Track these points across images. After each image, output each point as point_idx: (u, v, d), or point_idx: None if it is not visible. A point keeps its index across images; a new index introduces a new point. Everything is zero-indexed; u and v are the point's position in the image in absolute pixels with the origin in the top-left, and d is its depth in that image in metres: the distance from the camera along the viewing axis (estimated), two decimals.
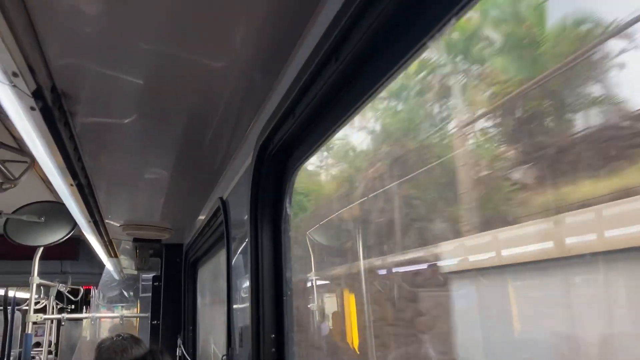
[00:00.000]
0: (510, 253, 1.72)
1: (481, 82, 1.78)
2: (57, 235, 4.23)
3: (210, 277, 4.46)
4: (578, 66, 1.30)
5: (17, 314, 9.83)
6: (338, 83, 1.35)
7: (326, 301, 3.17)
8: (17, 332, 9.59)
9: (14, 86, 1.52)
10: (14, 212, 4.03)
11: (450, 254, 2.00)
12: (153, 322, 5.05)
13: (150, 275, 5.38)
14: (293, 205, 2.03)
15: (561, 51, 1.41)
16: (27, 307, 5.92)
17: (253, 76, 1.77)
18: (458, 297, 1.98)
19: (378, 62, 1.22)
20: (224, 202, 2.81)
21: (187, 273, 4.95)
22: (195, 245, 4.22)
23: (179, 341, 4.77)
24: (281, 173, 1.99)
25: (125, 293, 8.66)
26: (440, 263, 2.03)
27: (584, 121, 1.34)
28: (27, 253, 6.14)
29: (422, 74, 1.82)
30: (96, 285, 8.49)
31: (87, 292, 10.22)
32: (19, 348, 7.93)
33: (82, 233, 4.18)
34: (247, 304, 2.14)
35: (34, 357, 8.97)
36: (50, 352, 9.09)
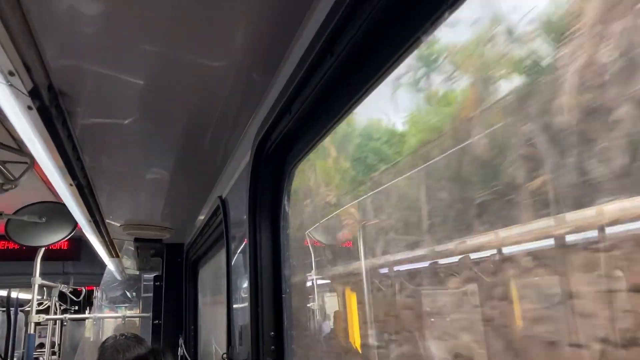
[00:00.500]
0: None
1: None
2: (58, 235, 4.24)
3: (211, 277, 4.47)
4: None
5: (20, 315, 9.87)
6: (334, 78, 1.35)
7: None
8: (21, 333, 9.63)
9: (10, 85, 1.52)
10: (15, 213, 4.04)
11: None
12: (155, 322, 5.05)
13: (151, 275, 5.39)
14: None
15: None
16: (30, 308, 5.94)
17: (250, 74, 1.77)
18: None
19: (373, 56, 1.22)
20: (223, 201, 2.82)
21: (188, 272, 4.96)
22: (196, 244, 4.22)
23: (181, 340, 4.78)
24: (279, 171, 1.99)
25: (128, 293, 8.67)
26: None
27: None
28: (29, 254, 6.17)
29: None
30: (98, 285, 8.50)
31: (90, 293, 10.24)
32: (22, 349, 7.95)
33: (83, 233, 4.19)
34: (246, 303, 2.14)
35: (37, 358, 9.00)
36: (53, 353, 9.12)
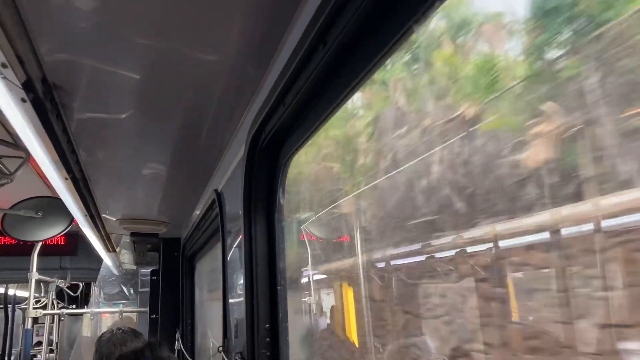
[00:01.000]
0: None
1: None
2: (54, 230, 4.24)
3: (207, 271, 4.48)
4: None
5: (18, 312, 9.86)
6: (327, 69, 1.35)
7: None
8: (18, 330, 9.62)
9: (4, 77, 1.52)
10: (11, 208, 4.05)
11: None
12: (152, 316, 5.06)
13: (148, 270, 5.39)
14: None
15: None
16: (27, 305, 5.94)
17: (245, 66, 1.77)
18: None
19: (366, 46, 1.22)
20: (218, 195, 2.82)
21: (184, 267, 4.97)
22: (192, 238, 4.23)
23: (178, 334, 4.79)
24: (274, 163, 1.99)
25: (125, 288, 8.67)
26: None
27: None
28: (26, 249, 6.17)
29: None
30: (94, 280, 8.51)
31: (88, 289, 10.24)
32: (20, 346, 7.95)
33: (80, 228, 4.19)
34: (242, 297, 2.15)
35: (34, 355, 9.00)
36: (51, 351, 9.11)
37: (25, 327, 6.02)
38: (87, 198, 3.07)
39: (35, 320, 6.12)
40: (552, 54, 0.98)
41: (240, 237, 2.15)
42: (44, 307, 7.66)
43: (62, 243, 7.11)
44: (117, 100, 2.04)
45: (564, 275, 1.01)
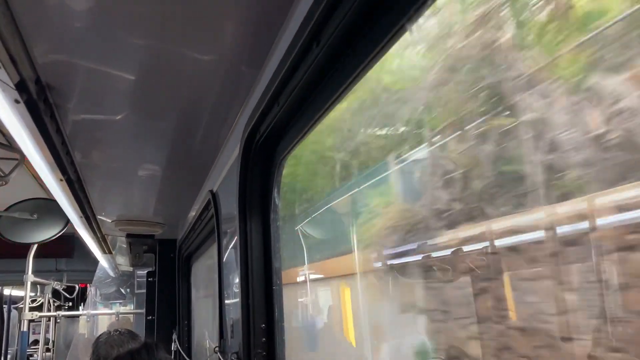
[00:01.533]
0: None
1: None
2: (50, 232, 4.23)
3: (203, 272, 4.47)
4: None
5: (14, 313, 9.85)
6: (321, 68, 1.35)
7: None
8: (14, 331, 9.61)
9: None
10: (5, 210, 4.03)
11: None
12: (148, 318, 5.06)
13: (144, 272, 5.39)
14: None
15: None
16: (22, 306, 5.93)
17: (239, 66, 1.77)
18: None
19: (359, 45, 1.22)
20: (214, 195, 2.82)
21: (180, 268, 4.96)
22: (188, 240, 4.22)
23: (174, 336, 4.78)
24: (269, 163, 1.99)
25: (121, 290, 8.66)
26: None
27: None
28: (21, 251, 6.15)
29: None
30: (90, 282, 8.50)
31: (84, 290, 10.22)
32: (16, 346, 7.93)
33: (76, 230, 4.18)
34: (238, 297, 2.15)
35: (31, 355, 8.98)
36: (47, 350, 9.09)
37: (21, 330, 6.01)
38: (82, 199, 3.06)
39: (31, 319, 6.11)
40: None
41: (236, 237, 2.15)
42: (40, 308, 7.65)
43: (58, 245, 7.08)
44: (111, 101, 2.04)
45: None
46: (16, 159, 3.06)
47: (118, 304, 8.67)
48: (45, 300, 7.58)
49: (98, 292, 9.00)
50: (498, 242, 1.28)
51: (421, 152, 1.61)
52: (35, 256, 6.16)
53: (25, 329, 5.97)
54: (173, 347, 4.68)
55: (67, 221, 4.01)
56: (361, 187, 2.07)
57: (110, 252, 5.25)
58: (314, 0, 1.19)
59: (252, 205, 2.05)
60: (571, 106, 1.00)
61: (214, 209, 2.77)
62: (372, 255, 2.11)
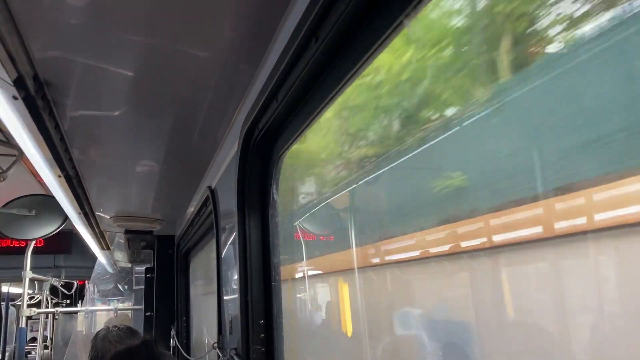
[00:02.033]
0: None
1: None
2: (48, 228, 4.24)
3: (202, 268, 4.47)
4: None
5: (12, 310, 9.85)
6: (319, 64, 1.35)
7: None
8: (13, 327, 9.61)
9: None
10: (4, 206, 4.04)
11: None
12: (146, 314, 5.06)
13: (143, 268, 5.39)
14: None
15: None
16: (20, 302, 5.93)
17: (237, 62, 1.77)
18: None
19: (357, 41, 1.22)
20: (212, 191, 2.82)
21: (179, 264, 4.96)
22: (187, 236, 4.22)
23: (173, 332, 4.78)
24: (267, 159, 1.99)
25: (119, 286, 8.67)
26: None
27: None
28: (19, 248, 6.15)
29: None
30: (89, 279, 8.50)
31: (82, 287, 10.23)
32: (14, 343, 7.94)
33: (74, 226, 4.18)
34: (237, 293, 2.15)
35: (29, 352, 8.99)
36: (46, 347, 9.10)
37: (19, 326, 6.01)
38: (80, 196, 3.06)
39: (30, 316, 6.11)
40: None
41: (235, 233, 2.15)
42: (38, 305, 7.65)
43: (56, 241, 7.09)
44: (109, 97, 2.03)
45: None
46: (14, 155, 3.06)
47: (116, 301, 8.67)
48: (43, 297, 7.58)
49: (96, 289, 9.00)
50: None
51: None
52: (33, 252, 6.16)
53: (23, 325, 5.97)
54: (171, 343, 4.68)
55: (66, 217, 4.01)
56: None
57: (108, 249, 5.25)
58: None
59: (251, 202, 2.05)
60: None
61: (213, 205, 2.77)
62: None
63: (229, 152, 2.36)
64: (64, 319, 9.00)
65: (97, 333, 3.22)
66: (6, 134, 2.87)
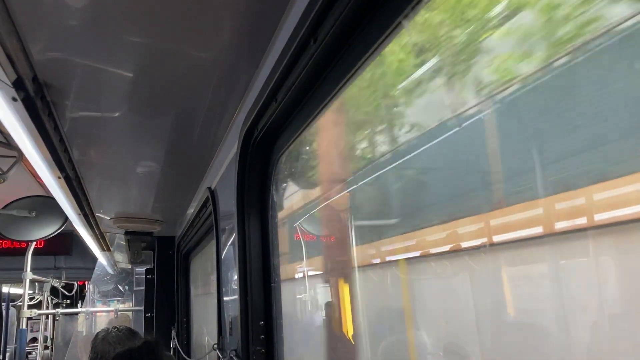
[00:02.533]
0: None
1: None
2: (48, 229, 4.23)
3: (202, 269, 4.47)
4: None
5: (12, 310, 9.86)
6: (318, 65, 1.35)
7: None
8: (13, 329, 9.61)
9: None
10: (4, 208, 4.04)
11: None
12: (147, 315, 5.06)
13: (143, 269, 5.39)
14: None
15: None
16: (21, 303, 5.93)
17: (237, 63, 1.77)
18: None
19: (356, 42, 1.22)
20: (212, 192, 2.82)
21: (179, 265, 4.96)
22: (187, 237, 4.22)
23: (173, 333, 4.78)
24: (266, 160, 1.99)
25: (120, 287, 8.67)
26: None
27: None
28: (20, 249, 6.16)
29: None
30: (89, 280, 8.50)
31: (82, 287, 10.23)
32: (15, 344, 7.94)
33: (74, 227, 4.18)
34: (236, 293, 2.15)
35: (29, 353, 9.00)
36: (46, 348, 9.10)
37: (20, 327, 6.01)
38: (80, 197, 3.06)
39: (30, 317, 6.11)
40: None
41: (234, 234, 2.15)
42: (39, 305, 7.65)
43: (57, 242, 7.08)
44: (108, 99, 2.03)
45: None
46: (14, 157, 3.06)
47: (116, 301, 8.67)
48: (43, 298, 7.59)
49: (97, 290, 9.00)
50: None
51: None
52: (33, 254, 6.16)
53: (24, 326, 5.98)
54: (172, 344, 4.68)
55: (66, 219, 4.01)
56: None
57: (109, 250, 5.25)
58: None
59: (251, 202, 2.05)
60: None
61: (213, 206, 2.77)
62: None
63: (228, 153, 2.36)
64: (65, 319, 9.00)
65: (97, 334, 3.21)
66: (6, 135, 2.87)
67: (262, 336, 1.96)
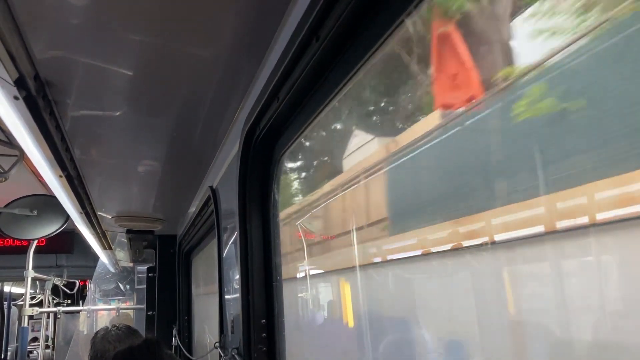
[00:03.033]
0: None
1: None
2: (50, 228, 4.24)
3: (203, 267, 4.48)
4: None
5: (14, 309, 9.87)
6: (320, 63, 1.35)
7: None
8: (14, 327, 9.63)
9: None
10: (5, 206, 4.04)
11: None
12: (148, 313, 5.06)
13: (144, 267, 5.39)
14: None
15: None
16: (22, 302, 5.94)
17: (239, 62, 1.77)
18: None
19: (358, 40, 1.22)
20: (214, 191, 2.82)
21: (181, 264, 4.97)
22: (188, 235, 4.23)
23: (174, 331, 4.79)
24: (268, 158, 1.99)
25: (121, 285, 8.67)
26: None
27: None
28: (21, 247, 6.16)
29: None
30: (90, 278, 8.51)
31: (84, 287, 10.24)
32: (16, 343, 7.95)
33: (76, 226, 4.18)
34: (238, 291, 2.15)
35: (31, 352, 9.01)
36: (47, 347, 9.12)
37: (21, 326, 6.02)
38: (82, 196, 3.06)
39: (31, 315, 6.12)
40: None
41: (236, 233, 2.15)
42: (40, 304, 7.66)
43: (58, 241, 7.09)
44: (110, 97, 2.03)
45: None
46: (16, 156, 3.06)
47: (117, 300, 8.67)
48: (45, 296, 7.59)
49: (98, 288, 9.00)
50: None
51: None
52: (35, 252, 6.16)
53: (25, 325, 5.98)
54: (173, 342, 4.68)
55: (67, 217, 4.01)
56: None
57: (110, 248, 5.25)
58: None
59: (252, 201, 2.05)
60: None
61: (214, 204, 2.77)
62: None
63: (230, 151, 2.36)
64: (66, 318, 9.01)
65: (96, 333, 3.21)
66: (7, 134, 2.87)
67: (264, 334, 1.96)
